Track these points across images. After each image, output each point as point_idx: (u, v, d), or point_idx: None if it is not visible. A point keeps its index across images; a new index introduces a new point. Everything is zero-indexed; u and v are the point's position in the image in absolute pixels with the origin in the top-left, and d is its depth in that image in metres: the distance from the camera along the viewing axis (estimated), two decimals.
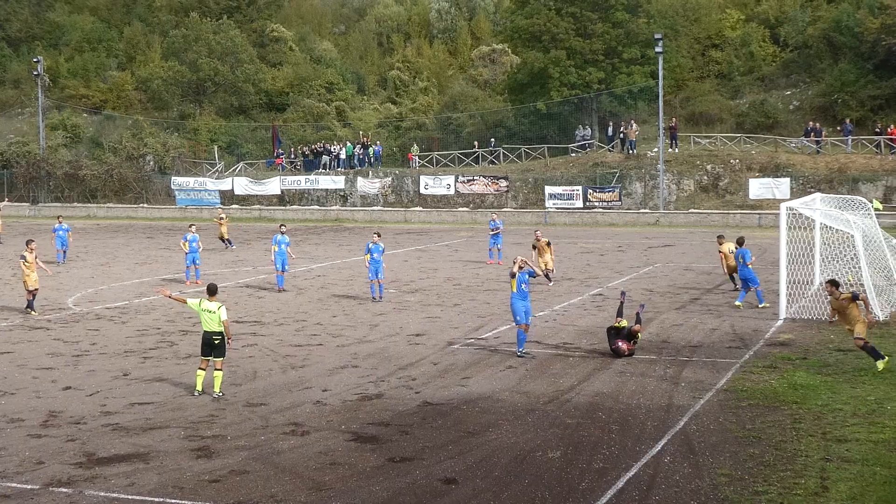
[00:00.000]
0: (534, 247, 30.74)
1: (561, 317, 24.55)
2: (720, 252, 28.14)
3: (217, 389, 16.62)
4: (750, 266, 25.43)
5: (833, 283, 17.92)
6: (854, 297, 17.45)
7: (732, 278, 27.89)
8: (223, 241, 43.18)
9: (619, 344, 19.27)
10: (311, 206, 65.20)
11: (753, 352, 19.67)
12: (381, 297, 27.65)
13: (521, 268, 19.56)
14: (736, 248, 26.23)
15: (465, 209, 60.09)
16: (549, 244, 30.19)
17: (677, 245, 42.95)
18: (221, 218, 43.79)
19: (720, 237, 29.07)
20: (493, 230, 36.99)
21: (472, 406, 15.80)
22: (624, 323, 19.71)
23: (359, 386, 17.30)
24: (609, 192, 57.74)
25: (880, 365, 17.13)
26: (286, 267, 30.17)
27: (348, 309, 26.38)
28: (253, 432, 14.45)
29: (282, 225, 31.40)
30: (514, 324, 19.93)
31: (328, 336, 22.35)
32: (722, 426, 14.39)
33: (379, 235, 28.32)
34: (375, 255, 27.51)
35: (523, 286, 19.49)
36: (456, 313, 25.38)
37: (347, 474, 12.51)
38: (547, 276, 29.48)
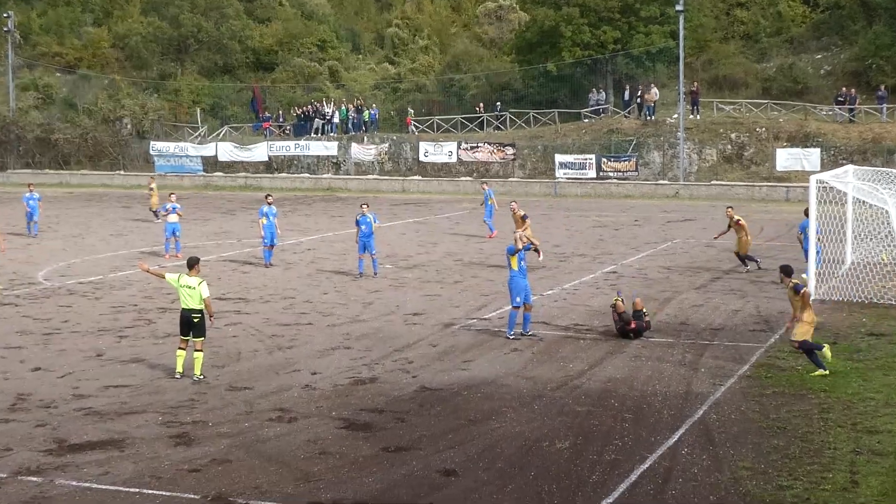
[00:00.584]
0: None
1: (571, 296, 24.51)
2: (739, 223, 27.57)
3: (198, 372, 16.59)
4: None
5: (784, 271, 17.22)
6: (796, 290, 16.59)
7: (744, 258, 27.66)
8: (153, 212, 42.83)
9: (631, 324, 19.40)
10: (301, 174, 65.06)
11: (779, 335, 19.60)
12: (375, 273, 27.69)
13: (523, 244, 19.62)
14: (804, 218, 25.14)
15: (467, 178, 59.96)
16: (524, 218, 28.73)
17: (698, 219, 42.85)
18: (151, 188, 43.51)
19: (731, 207, 28.78)
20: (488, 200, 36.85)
21: (474, 392, 15.79)
22: (619, 300, 19.85)
23: (351, 369, 17.29)
24: (625, 161, 57.56)
25: (818, 374, 16.31)
26: (275, 241, 30.13)
27: (340, 286, 26.38)
28: (236, 418, 14.43)
29: (268, 195, 31.33)
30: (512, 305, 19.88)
31: (318, 315, 22.35)
32: (744, 416, 14.37)
33: (367, 206, 28.27)
34: (363, 227, 27.52)
35: (522, 263, 19.61)
36: (457, 291, 25.38)
37: (338, 464, 12.50)
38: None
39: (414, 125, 65.94)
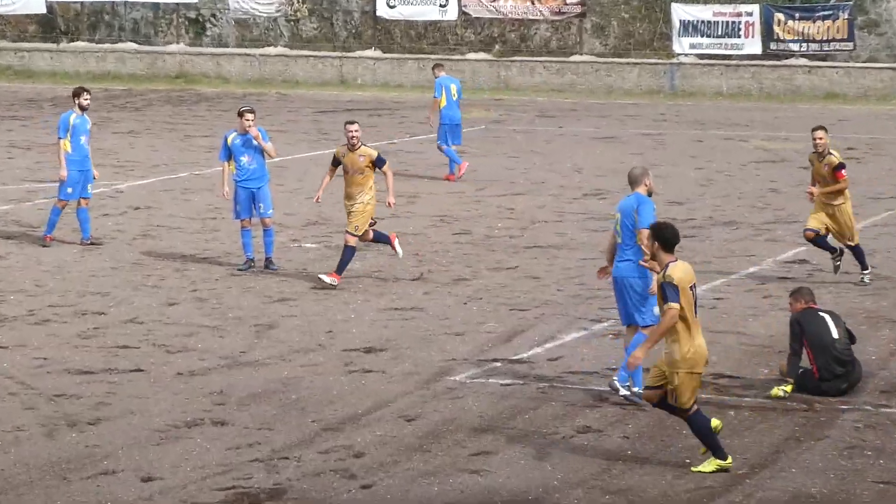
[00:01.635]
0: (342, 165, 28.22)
1: (707, 314, 24.38)
2: (839, 174, 27.09)
3: None
4: None
5: (661, 240, 17.40)
6: (665, 295, 16.87)
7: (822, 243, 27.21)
8: None
9: None
10: (120, 46, 64.84)
11: None
12: (271, 262, 27.97)
13: (650, 189, 19.86)
14: None
15: (480, 56, 59.94)
16: (375, 165, 27.23)
17: None
18: None
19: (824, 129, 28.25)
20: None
21: None
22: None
23: (229, 468, 17.25)
24: (823, 19, 57.51)
25: (709, 466, 17.07)
26: (88, 190, 30.29)
27: (205, 286, 26.64)
28: None
29: (82, 90, 30.73)
30: (623, 324, 20.01)
31: (157, 350, 22.47)
32: None
33: (253, 116, 27.97)
34: (246, 159, 27.60)
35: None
36: (458, 301, 25.63)
37: None
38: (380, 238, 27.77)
39: None
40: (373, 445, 18.08)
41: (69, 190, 29.68)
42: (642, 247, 19.42)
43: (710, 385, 20.45)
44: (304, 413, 19.36)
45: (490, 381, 20.81)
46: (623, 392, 19.54)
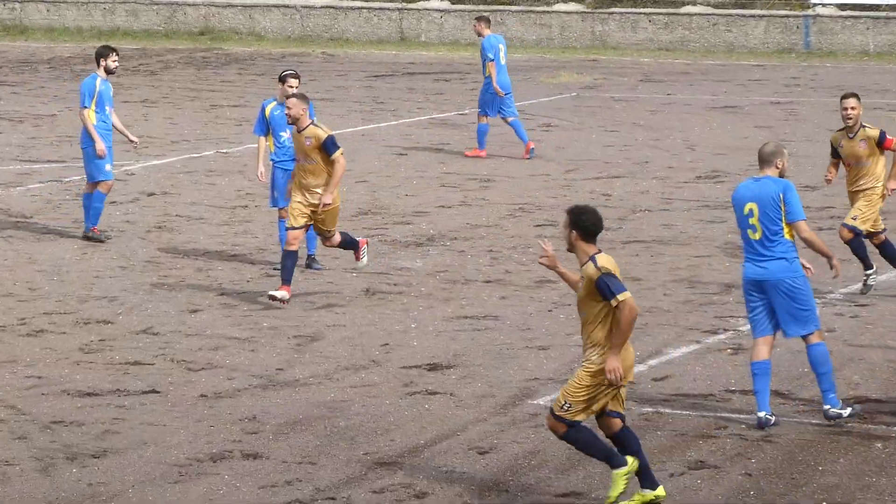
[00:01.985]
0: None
1: (849, 324, 24.57)
2: (887, 143, 27.02)
3: None
4: None
5: (577, 224, 17.50)
6: (614, 290, 16.95)
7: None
8: None
9: None
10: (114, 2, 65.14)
11: None
12: (315, 260, 28.25)
13: (782, 171, 19.64)
14: None
15: (571, 7, 60.00)
16: (324, 150, 26.11)
17: None
18: None
19: (851, 97, 28.19)
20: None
21: None
22: None
23: None
24: None
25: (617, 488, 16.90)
26: (109, 171, 30.19)
27: (233, 289, 26.78)
28: None
29: (109, 50, 30.76)
30: (755, 336, 19.77)
31: (176, 366, 22.58)
32: None
33: (296, 81, 27.90)
34: (287, 135, 27.45)
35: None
36: (541, 307, 25.79)
37: None
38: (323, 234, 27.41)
39: None
40: (437, 484, 18.07)
41: (108, 167, 29.88)
42: (795, 240, 19.63)
43: (854, 414, 20.42)
44: (354, 444, 19.32)
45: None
46: (846, 411, 19.52)
